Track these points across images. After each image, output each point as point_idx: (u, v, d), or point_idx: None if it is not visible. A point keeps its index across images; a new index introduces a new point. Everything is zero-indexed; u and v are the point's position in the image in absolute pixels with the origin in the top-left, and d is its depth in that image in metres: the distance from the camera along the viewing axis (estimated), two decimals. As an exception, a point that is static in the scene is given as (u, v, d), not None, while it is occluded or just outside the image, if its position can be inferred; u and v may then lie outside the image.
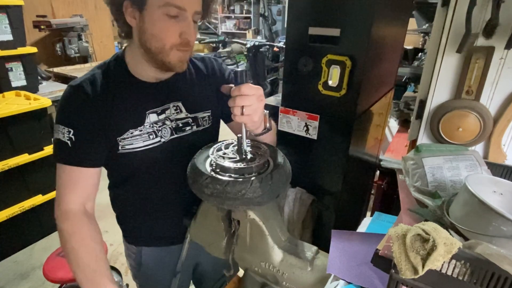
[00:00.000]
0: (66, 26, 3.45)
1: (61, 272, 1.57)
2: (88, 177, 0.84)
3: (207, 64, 0.98)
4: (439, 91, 1.08)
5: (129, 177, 0.93)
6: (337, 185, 1.11)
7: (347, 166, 1.08)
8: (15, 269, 2.30)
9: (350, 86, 0.97)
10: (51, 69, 3.43)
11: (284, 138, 1.14)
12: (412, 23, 2.77)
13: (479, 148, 1.10)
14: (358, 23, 0.92)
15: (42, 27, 3.29)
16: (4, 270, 2.29)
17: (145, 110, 0.85)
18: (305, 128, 1.10)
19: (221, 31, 8.40)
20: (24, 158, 2.22)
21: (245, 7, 8.45)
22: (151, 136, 0.86)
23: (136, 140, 0.84)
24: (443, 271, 0.53)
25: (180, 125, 0.91)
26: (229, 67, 1.10)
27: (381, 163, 1.40)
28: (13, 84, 2.56)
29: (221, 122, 1.04)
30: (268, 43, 4.80)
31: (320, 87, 1.02)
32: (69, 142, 0.79)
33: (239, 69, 0.72)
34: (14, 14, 2.39)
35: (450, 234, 0.56)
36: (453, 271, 0.52)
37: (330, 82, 0.99)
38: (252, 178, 0.68)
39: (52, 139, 0.83)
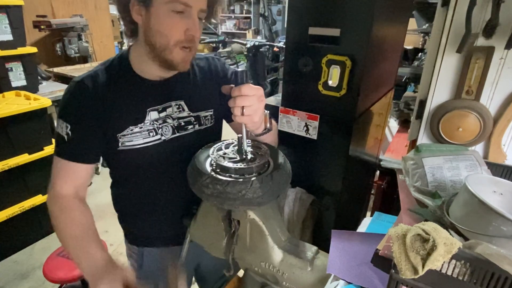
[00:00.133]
0: (66, 26, 3.45)
1: (61, 272, 1.57)
2: (81, 171, 0.85)
3: (210, 64, 0.98)
4: (439, 91, 1.08)
5: (130, 176, 0.93)
6: (337, 185, 1.11)
7: (347, 166, 1.08)
8: (15, 269, 2.30)
9: (350, 86, 0.97)
10: (51, 69, 3.43)
11: (284, 138, 1.14)
12: (412, 23, 2.77)
13: (479, 148, 1.10)
14: (358, 23, 0.92)
15: (42, 27, 3.28)
16: (4, 270, 2.29)
17: (146, 108, 0.85)
18: (305, 128, 1.10)
19: (221, 31, 8.40)
20: (24, 158, 2.22)
21: (245, 7, 8.46)
22: (151, 134, 0.86)
23: (136, 137, 0.85)
24: (443, 271, 0.53)
25: (182, 123, 0.91)
26: (229, 67, 1.11)
27: (381, 163, 1.40)
28: (13, 84, 2.56)
29: (224, 121, 1.04)
30: (268, 43, 4.80)
31: (320, 87, 1.02)
32: (65, 136, 0.81)
33: (239, 69, 0.73)
34: (14, 14, 2.39)
35: (450, 234, 0.56)
36: (453, 271, 0.52)
37: (330, 82, 0.99)
38: (253, 179, 0.68)
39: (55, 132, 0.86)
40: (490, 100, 1.03)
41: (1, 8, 2.31)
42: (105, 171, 3.59)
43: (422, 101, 1.14)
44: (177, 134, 0.90)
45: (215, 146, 0.79)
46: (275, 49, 4.88)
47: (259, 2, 7.46)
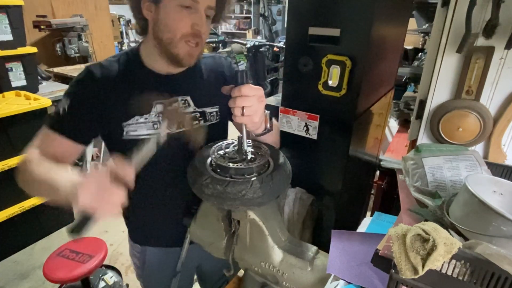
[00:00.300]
0: (66, 26, 3.45)
1: (61, 272, 1.57)
2: (62, 144, 0.83)
3: (217, 62, 1.01)
4: (439, 91, 1.08)
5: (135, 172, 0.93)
6: (337, 185, 1.11)
7: (347, 166, 1.08)
8: (15, 269, 2.30)
9: (350, 86, 0.97)
10: (51, 69, 3.43)
11: (284, 138, 1.13)
12: (412, 23, 2.77)
13: (479, 148, 1.10)
14: (358, 23, 0.92)
15: (42, 27, 3.28)
16: (4, 270, 2.29)
17: (152, 100, 0.87)
18: (305, 128, 1.10)
19: (221, 31, 8.40)
20: (24, 158, 2.22)
21: (245, 7, 8.46)
22: (155, 126, 0.87)
23: (141, 128, 0.86)
24: (443, 271, 0.53)
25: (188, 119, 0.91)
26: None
27: (381, 163, 1.40)
28: (13, 84, 2.56)
29: None
30: (268, 43, 4.80)
31: (320, 87, 1.02)
32: (61, 110, 0.82)
33: (239, 69, 0.73)
34: (14, 14, 2.39)
35: (450, 234, 0.56)
36: (453, 271, 0.52)
37: (330, 82, 0.99)
38: (253, 179, 0.68)
39: None
40: (490, 100, 1.03)
41: (1, 8, 2.31)
42: (105, 171, 3.58)
43: (422, 101, 1.14)
44: (182, 129, 0.91)
45: (215, 146, 0.79)
46: (275, 49, 4.89)
47: (259, 2, 7.46)
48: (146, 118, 0.86)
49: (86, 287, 1.72)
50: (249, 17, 8.36)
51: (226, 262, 0.84)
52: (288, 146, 1.13)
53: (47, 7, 3.54)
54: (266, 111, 0.79)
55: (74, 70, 3.44)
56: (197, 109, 0.93)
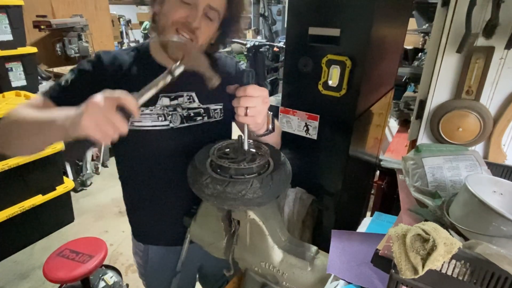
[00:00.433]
0: (66, 26, 3.45)
1: (61, 272, 1.57)
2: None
3: (223, 61, 1.02)
4: (439, 91, 1.08)
5: (136, 165, 0.94)
6: (337, 185, 1.11)
7: (347, 166, 1.08)
8: (15, 269, 2.30)
9: (350, 86, 0.97)
10: (51, 69, 3.43)
11: (284, 138, 1.13)
12: (412, 23, 2.77)
13: (479, 148, 1.10)
14: (358, 23, 0.92)
15: (42, 27, 3.28)
16: (4, 270, 2.29)
17: (158, 92, 0.86)
18: (305, 128, 1.10)
19: (221, 31, 8.38)
20: (24, 158, 2.22)
21: (245, 7, 8.44)
22: (160, 118, 0.88)
23: (145, 119, 0.87)
24: (443, 271, 0.53)
25: (192, 114, 0.92)
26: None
27: (381, 163, 1.40)
28: (13, 84, 2.56)
29: None
30: (268, 43, 4.80)
31: (320, 87, 1.02)
32: (63, 81, 0.82)
33: (245, 69, 0.73)
34: (14, 14, 2.39)
35: (450, 234, 0.56)
36: (453, 271, 0.52)
37: (330, 82, 0.99)
38: (253, 179, 0.68)
39: None
40: (490, 100, 1.03)
41: (1, 8, 2.32)
42: (105, 171, 3.59)
43: (422, 101, 1.14)
44: (186, 124, 0.91)
45: (215, 146, 0.79)
46: (275, 49, 4.88)
47: (259, 2, 7.46)
48: (151, 110, 0.87)
49: (86, 287, 1.72)
50: (249, 17, 8.36)
51: (226, 262, 0.85)
52: (288, 146, 1.13)
53: (47, 7, 3.54)
54: (269, 112, 0.79)
55: (74, 70, 3.44)
56: (201, 105, 0.94)
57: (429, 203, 0.78)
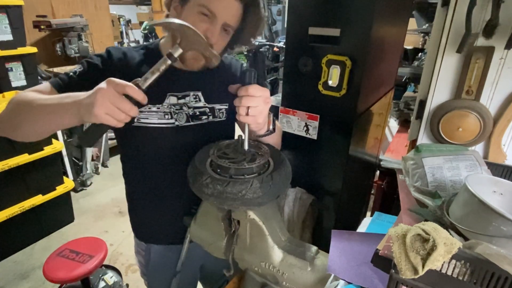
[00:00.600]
0: (66, 26, 3.45)
1: (61, 272, 1.57)
2: None
3: (228, 62, 1.03)
4: (439, 91, 1.08)
5: (142, 160, 0.94)
6: (337, 185, 1.11)
7: (347, 166, 1.08)
8: (15, 269, 2.30)
9: (350, 86, 0.97)
10: (51, 69, 3.43)
11: (284, 138, 1.14)
12: (412, 23, 2.77)
13: (479, 148, 1.10)
14: (358, 23, 0.92)
15: (42, 27, 3.28)
16: (4, 270, 2.29)
17: (166, 91, 0.89)
18: (305, 128, 1.10)
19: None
20: (24, 158, 2.23)
21: (245, 7, 8.44)
22: (166, 116, 0.89)
23: (152, 116, 0.88)
24: (443, 271, 0.53)
25: (197, 113, 0.93)
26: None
27: (381, 163, 1.40)
28: (13, 84, 2.56)
29: None
30: (268, 43, 4.80)
31: (320, 87, 1.02)
32: (71, 72, 0.83)
33: (248, 69, 0.73)
34: (14, 14, 2.39)
35: (450, 234, 0.56)
36: (453, 271, 0.52)
37: (330, 82, 0.99)
38: (253, 179, 0.68)
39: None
40: (490, 100, 1.03)
41: (1, 8, 2.31)
42: (105, 171, 3.59)
43: (422, 101, 1.14)
44: (191, 123, 0.92)
45: (215, 146, 0.79)
46: (275, 49, 4.89)
47: (259, 2, 7.44)
48: (158, 108, 0.88)
49: (86, 287, 1.72)
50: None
51: (226, 262, 0.85)
52: (288, 146, 1.13)
53: (47, 7, 3.54)
54: (270, 113, 0.79)
55: (74, 70, 3.44)
56: (207, 105, 0.95)
57: (429, 203, 0.78)
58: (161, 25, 0.74)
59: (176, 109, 0.90)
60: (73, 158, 3.22)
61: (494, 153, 1.08)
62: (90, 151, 3.30)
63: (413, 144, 1.24)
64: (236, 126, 1.04)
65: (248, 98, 0.70)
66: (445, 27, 1.00)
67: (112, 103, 0.62)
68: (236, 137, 0.83)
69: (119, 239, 2.58)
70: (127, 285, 1.97)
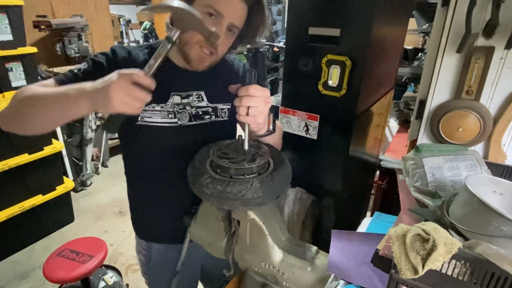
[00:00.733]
0: (66, 26, 3.45)
1: (61, 272, 1.57)
2: None
3: (233, 62, 1.04)
4: (439, 91, 1.08)
5: (144, 159, 0.95)
6: (337, 185, 1.11)
7: (347, 166, 1.08)
8: (15, 269, 2.30)
9: (350, 86, 0.97)
10: (51, 69, 3.43)
11: (284, 138, 1.13)
12: (412, 23, 2.77)
13: (479, 148, 1.10)
14: (358, 23, 0.92)
15: (42, 27, 3.28)
16: (4, 270, 2.29)
17: (170, 90, 0.90)
18: (305, 128, 1.10)
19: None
20: (24, 158, 2.23)
21: (245, 7, 8.44)
22: (170, 115, 0.89)
23: (156, 115, 0.88)
24: (443, 271, 0.53)
25: (200, 113, 0.94)
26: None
27: (381, 163, 1.40)
28: (13, 84, 2.55)
29: None
30: (268, 43, 4.80)
31: (320, 87, 1.02)
32: (76, 69, 0.84)
33: (248, 69, 0.73)
34: (14, 14, 2.39)
35: (450, 234, 0.56)
36: (453, 271, 0.52)
37: (330, 82, 0.99)
38: (253, 179, 0.68)
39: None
40: (490, 100, 1.03)
41: (1, 8, 2.31)
42: (105, 171, 3.59)
43: (422, 101, 1.14)
44: (194, 122, 0.93)
45: (215, 146, 0.79)
46: (275, 49, 4.89)
47: (259, 2, 7.44)
48: (162, 107, 0.88)
49: (86, 287, 1.72)
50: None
51: (227, 262, 0.85)
52: (288, 146, 1.13)
53: (47, 7, 3.54)
54: (270, 113, 0.79)
55: (74, 70, 3.44)
56: (209, 104, 0.95)
57: (429, 203, 0.78)
58: (152, 11, 0.74)
59: (180, 109, 0.90)
60: (73, 158, 3.23)
61: (494, 153, 1.08)
62: (90, 151, 3.30)
63: (413, 144, 1.24)
64: (238, 126, 1.04)
65: (248, 98, 0.70)
66: (445, 27, 1.00)
67: (127, 94, 0.64)
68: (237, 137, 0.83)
69: (119, 239, 2.58)
70: (127, 285, 1.97)
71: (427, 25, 2.69)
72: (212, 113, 0.96)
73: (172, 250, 1.06)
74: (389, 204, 1.37)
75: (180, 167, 0.93)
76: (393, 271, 0.56)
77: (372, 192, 1.71)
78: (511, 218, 0.57)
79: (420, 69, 1.98)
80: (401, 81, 2.53)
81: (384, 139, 1.81)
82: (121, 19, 6.23)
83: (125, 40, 6.34)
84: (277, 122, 0.94)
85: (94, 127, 3.26)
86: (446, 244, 0.51)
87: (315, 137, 1.09)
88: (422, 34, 2.92)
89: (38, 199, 2.39)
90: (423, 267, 0.51)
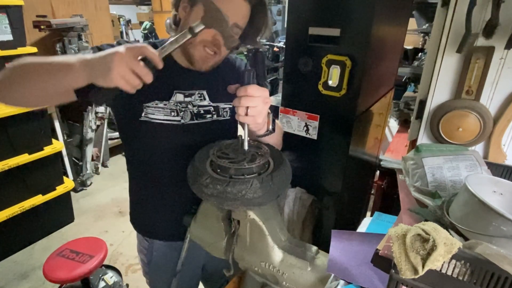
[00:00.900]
0: (66, 26, 3.44)
1: (61, 272, 1.57)
2: None
3: (234, 61, 1.05)
4: (439, 91, 1.08)
5: (146, 156, 0.95)
6: (337, 185, 1.11)
7: (347, 166, 1.08)
8: (15, 269, 2.30)
9: (350, 86, 0.97)
10: (51, 69, 3.42)
11: (284, 138, 1.14)
12: (412, 23, 2.77)
13: (479, 148, 1.10)
14: (358, 23, 0.92)
15: (42, 27, 3.28)
16: (4, 270, 2.29)
17: (173, 89, 0.91)
18: (305, 128, 1.10)
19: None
20: (24, 158, 2.22)
21: (245, 7, 8.43)
22: (172, 113, 0.90)
23: (159, 112, 0.89)
24: (443, 271, 0.53)
25: (202, 112, 0.94)
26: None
27: (381, 163, 1.40)
28: (13, 84, 2.56)
29: None
30: (268, 43, 4.80)
31: (320, 87, 1.02)
32: (81, 54, 0.81)
33: (246, 69, 0.73)
34: (14, 14, 2.39)
35: (450, 234, 0.56)
36: (453, 271, 0.52)
37: (330, 82, 0.99)
38: (253, 179, 0.68)
39: None
40: (490, 100, 1.03)
41: (1, 8, 2.31)
42: (105, 171, 3.59)
43: (422, 101, 1.14)
44: (195, 121, 0.93)
45: (215, 146, 0.79)
46: (275, 49, 4.89)
47: (259, 2, 7.43)
48: (165, 104, 0.89)
49: (86, 287, 1.72)
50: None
51: (227, 262, 0.85)
52: (288, 146, 1.13)
53: (47, 7, 3.54)
54: (270, 113, 0.79)
55: (74, 70, 3.44)
56: (211, 103, 0.96)
57: (429, 203, 0.78)
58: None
59: (182, 107, 0.91)
60: (73, 158, 3.23)
61: (494, 153, 1.08)
62: (90, 151, 3.30)
63: (413, 144, 1.24)
64: (239, 126, 1.05)
65: (247, 98, 0.70)
66: (445, 27, 1.00)
67: (129, 68, 0.61)
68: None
69: (119, 239, 2.58)
70: (127, 285, 1.97)
71: (427, 25, 2.69)
72: (214, 112, 0.96)
73: (173, 249, 1.06)
74: (389, 204, 1.37)
75: (181, 164, 0.93)
76: (393, 271, 0.56)
77: (372, 192, 1.71)
78: (511, 218, 0.57)
79: (420, 69, 1.98)
80: (401, 81, 2.53)
81: (384, 139, 1.81)
82: (121, 19, 6.23)
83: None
84: (277, 122, 0.94)
85: (94, 127, 3.26)
86: (446, 244, 0.51)
87: (315, 137, 1.09)
88: (422, 34, 2.92)
89: (38, 199, 2.38)
90: (423, 267, 0.51)
